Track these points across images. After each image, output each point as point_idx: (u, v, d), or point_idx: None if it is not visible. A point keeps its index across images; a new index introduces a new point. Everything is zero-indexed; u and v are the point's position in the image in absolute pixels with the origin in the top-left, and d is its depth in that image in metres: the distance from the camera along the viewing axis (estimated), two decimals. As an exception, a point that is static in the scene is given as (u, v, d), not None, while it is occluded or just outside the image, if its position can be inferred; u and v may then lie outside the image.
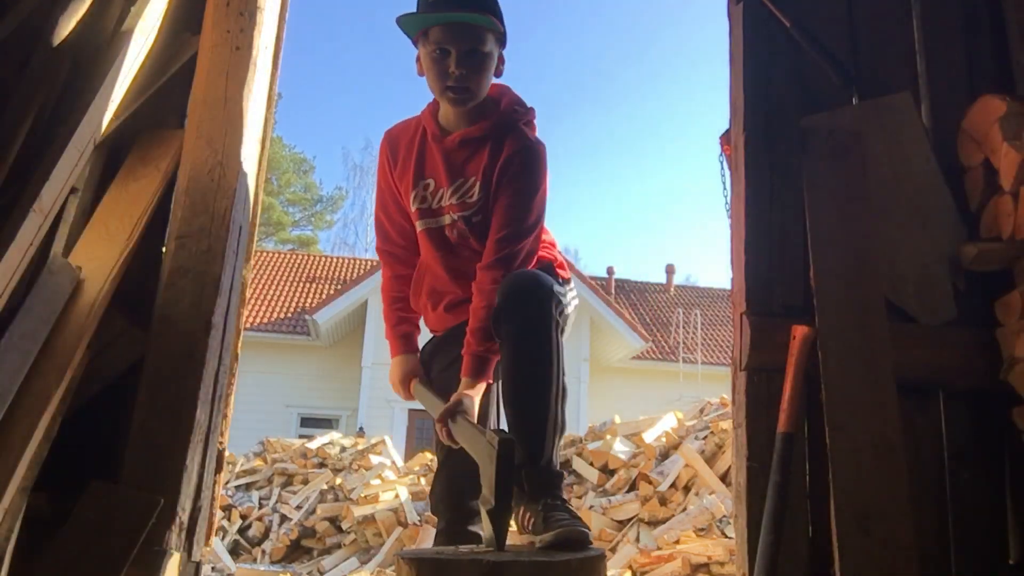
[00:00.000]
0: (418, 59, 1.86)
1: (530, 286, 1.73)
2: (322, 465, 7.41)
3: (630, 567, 3.83)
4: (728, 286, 2.09)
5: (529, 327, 1.70)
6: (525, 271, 1.81)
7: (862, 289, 1.76)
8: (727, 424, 4.79)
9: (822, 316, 1.73)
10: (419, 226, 1.95)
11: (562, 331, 1.77)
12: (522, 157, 1.83)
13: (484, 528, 1.50)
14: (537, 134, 1.93)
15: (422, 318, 2.08)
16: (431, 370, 2.00)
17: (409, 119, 2.02)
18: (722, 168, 2.29)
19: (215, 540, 5.18)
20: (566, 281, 1.91)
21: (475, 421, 1.69)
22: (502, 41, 1.85)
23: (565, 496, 1.71)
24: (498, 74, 1.88)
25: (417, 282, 2.03)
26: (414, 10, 1.83)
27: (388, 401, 13.87)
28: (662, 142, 58.28)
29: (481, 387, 1.77)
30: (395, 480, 6.63)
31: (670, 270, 20.82)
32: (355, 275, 17.32)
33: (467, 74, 1.78)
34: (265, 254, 19.65)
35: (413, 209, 1.94)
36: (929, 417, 1.78)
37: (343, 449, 7.66)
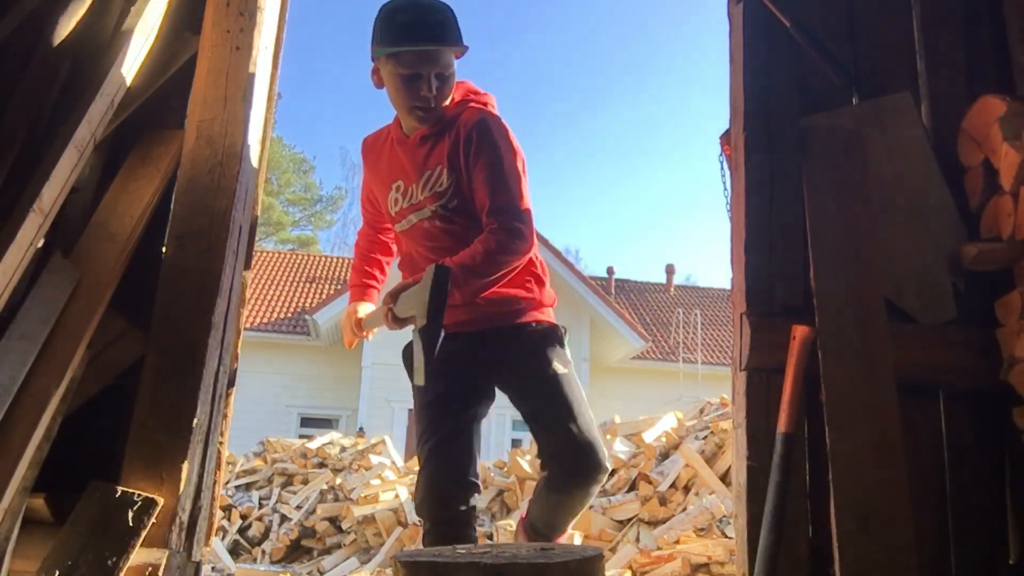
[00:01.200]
0: (375, 71, 1.96)
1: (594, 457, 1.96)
2: (322, 465, 7.40)
3: (630, 567, 3.83)
4: (728, 286, 2.09)
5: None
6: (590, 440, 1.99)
7: (862, 289, 1.76)
8: (727, 424, 4.79)
9: (822, 316, 1.73)
10: (399, 227, 2.05)
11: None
12: (479, 130, 1.90)
13: (415, 349, 1.70)
14: (496, 113, 2.00)
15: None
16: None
17: (382, 128, 2.13)
18: (722, 168, 2.29)
19: (215, 540, 5.18)
20: (540, 280, 2.06)
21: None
22: (461, 54, 1.98)
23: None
24: None
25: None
26: (383, 35, 1.91)
27: (388, 401, 13.86)
28: (662, 142, 58.34)
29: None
30: (395, 480, 6.62)
31: (670, 270, 20.80)
32: (355, 275, 17.27)
33: (436, 95, 1.91)
34: (265, 254, 19.63)
35: (393, 213, 2.04)
36: (929, 417, 1.77)
37: (343, 449, 7.65)
